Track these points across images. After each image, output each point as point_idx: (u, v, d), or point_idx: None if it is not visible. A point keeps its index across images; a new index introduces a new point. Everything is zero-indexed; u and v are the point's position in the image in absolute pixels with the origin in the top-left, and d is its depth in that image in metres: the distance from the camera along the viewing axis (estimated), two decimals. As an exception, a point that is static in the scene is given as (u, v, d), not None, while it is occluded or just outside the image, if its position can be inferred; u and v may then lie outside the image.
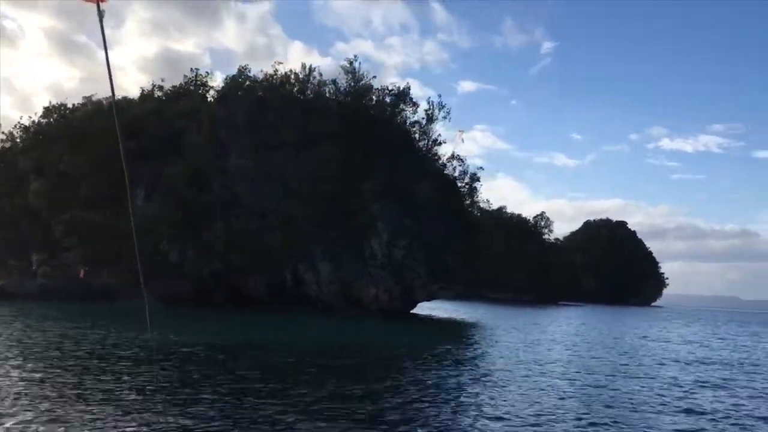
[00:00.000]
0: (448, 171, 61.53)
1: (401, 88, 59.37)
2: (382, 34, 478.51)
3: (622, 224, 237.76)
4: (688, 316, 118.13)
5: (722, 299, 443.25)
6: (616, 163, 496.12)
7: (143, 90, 68.44)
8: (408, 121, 59.32)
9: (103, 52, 5.75)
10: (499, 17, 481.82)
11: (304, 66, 57.65)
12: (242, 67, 57.51)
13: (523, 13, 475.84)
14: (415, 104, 59.47)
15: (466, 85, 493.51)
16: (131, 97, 68.86)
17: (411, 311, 67.03)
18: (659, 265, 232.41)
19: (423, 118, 59.44)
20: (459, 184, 62.43)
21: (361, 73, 58.42)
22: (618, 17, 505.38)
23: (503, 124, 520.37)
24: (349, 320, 46.92)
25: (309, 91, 57.87)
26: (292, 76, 56.93)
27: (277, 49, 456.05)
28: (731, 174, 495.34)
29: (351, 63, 58.32)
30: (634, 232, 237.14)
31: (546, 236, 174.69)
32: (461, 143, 63.64)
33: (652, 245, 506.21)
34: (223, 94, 57.62)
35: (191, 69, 67.60)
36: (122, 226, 53.28)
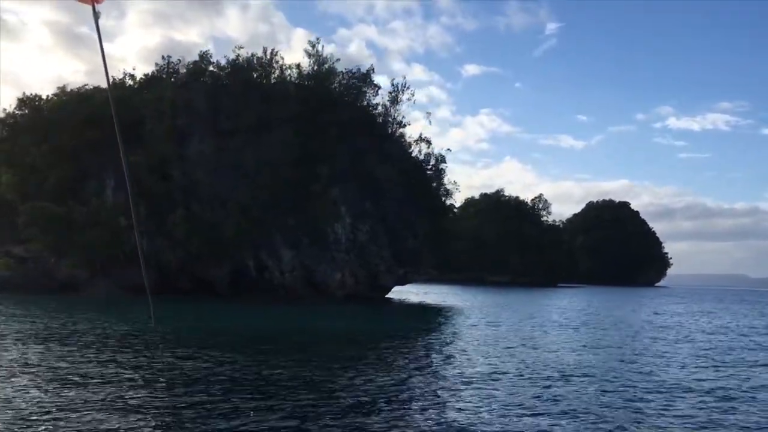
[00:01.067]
0: (415, 153, 60.67)
1: (365, 71, 58.38)
2: (385, 19, 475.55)
3: (625, 205, 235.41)
4: (689, 296, 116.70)
5: (731, 277, 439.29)
6: (623, 144, 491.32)
7: (114, 78, 67.70)
8: (371, 104, 58.38)
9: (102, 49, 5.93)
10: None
11: (265, 50, 56.79)
12: (203, 53, 56.83)
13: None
14: (377, 86, 58.54)
15: (471, 69, 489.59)
16: (104, 87, 68.19)
17: (386, 296, 66.48)
18: (663, 245, 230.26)
19: (387, 100, 58.47)
20: (426, 167, 61.52)
21: (324, 56, 57.51)
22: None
23: (508, 107, 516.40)
24: (307, 306, 46.33)
25: (274, 76, 56.97)
26: (255, 61, 56.03)
27: (279, 37, 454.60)
28: (739, 152, 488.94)
29: (314, 46, 57.41)
30: (637, 212, 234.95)
31: (544, 218, 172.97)
32: (428, 125, 62.14)
33: (659, 225, 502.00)
34: (185, 80, 56.81)
35: (162, 56, 66.55)
36: (82, 217, 53.01)
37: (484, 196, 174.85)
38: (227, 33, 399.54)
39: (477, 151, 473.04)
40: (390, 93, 58.69)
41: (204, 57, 56.53)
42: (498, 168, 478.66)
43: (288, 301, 50.88)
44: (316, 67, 56.84)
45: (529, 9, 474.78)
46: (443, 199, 63.01)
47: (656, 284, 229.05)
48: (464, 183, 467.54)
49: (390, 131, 58.37)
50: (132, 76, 66.89)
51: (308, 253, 54.09)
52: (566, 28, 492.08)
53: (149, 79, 66.49)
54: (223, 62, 56.89)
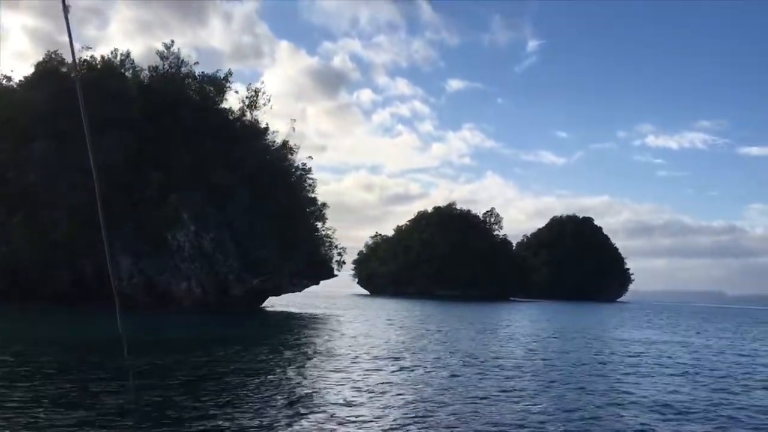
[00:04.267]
0: (278, 160, 58.05)
1: (223, 75, 55.98)
2: (370, 32, 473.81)
3: (588, 220, 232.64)
4: (639, 311, 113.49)
5: (708, 294, 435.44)
6: (603, 161, 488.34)
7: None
8: (225, 109, 55.85)
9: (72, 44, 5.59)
10: (487, 15, 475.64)
11: (114, 51, 54.28)
12: (50, 52, 54.21)
13: (510, 11, 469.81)
14: (234, 91, 56.15)
15: (455, 84, 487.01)
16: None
17: (261, 305, 63.46)
18: (625, 260, 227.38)
19: (245, 106, 56.01)
20: (288, 175, 59.08)
21: (180, 59, 55.02)
22: (605, 15, 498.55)
23: (491, 122, 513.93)
24: (143, 316, 43.31)
25: (128, 78, 54.40)
26: (99, 62, 53.50)
27: (263, 48, 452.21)
28: (717, 170, 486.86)
29: (168, 48, 54.90)
30: (600, 228, 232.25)
31: (496, 232, 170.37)
32: (293, 132, 59.59)
33: (638, 242, 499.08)
34: (29, 80, 54.19)
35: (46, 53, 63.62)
36: None
37: (436, 209, 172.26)
38: (210, 44, 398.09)
39: (459, 165, 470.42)
40: (247, 97, 56.32)
41: (51, 56, 53.87)
42: (480, 183, 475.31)
43: (128, 309, 47.89)
44: (168, 70, 54.30)
45: (513, 25, 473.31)
46: (309, 207, 60.43)
47: (618, 299, 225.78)
48: (446, 197, 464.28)
49: (245, 136, 55.69)
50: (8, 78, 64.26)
51: (150, 260, 51.18)
52: (548, 45, 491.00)
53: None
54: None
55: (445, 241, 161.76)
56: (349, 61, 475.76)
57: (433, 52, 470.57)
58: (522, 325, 52.31)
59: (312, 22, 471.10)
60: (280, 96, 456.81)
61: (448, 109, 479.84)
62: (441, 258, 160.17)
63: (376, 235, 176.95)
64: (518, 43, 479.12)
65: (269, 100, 56.88)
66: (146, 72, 55.09)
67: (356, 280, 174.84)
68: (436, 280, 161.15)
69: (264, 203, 53.51)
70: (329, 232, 63.56)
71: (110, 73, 53.41)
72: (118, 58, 54.37)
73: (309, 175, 63.33)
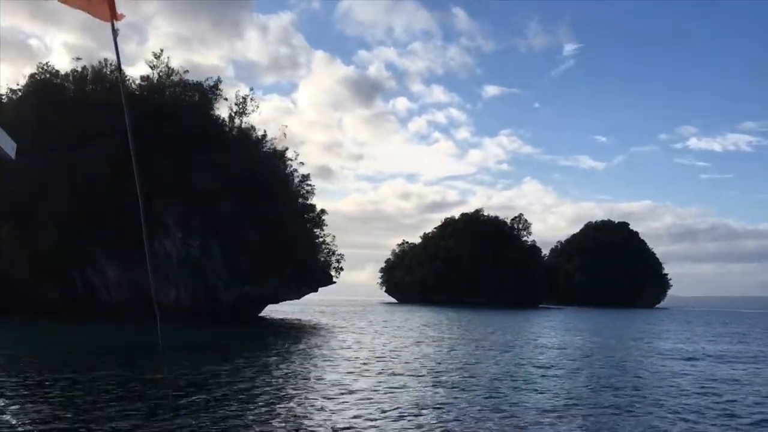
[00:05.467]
0: (272, 166, 57.13)
1: (213, 83, 55.39)
2: (405, 40, 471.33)
3: (624, 225, 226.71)
4: (675, 319, 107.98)
5: (754, 300, 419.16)
6: (645, 165, 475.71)
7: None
8: (215, 117, 55.20)
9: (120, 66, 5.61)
10: (523, 20, 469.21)
11: (102, 62, 54.17)
12: (41, 65, 54.37)
13: (547, 15, 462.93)
14: (224, 98, 55.48)
15: (491, 90, 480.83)
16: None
17: (259, 314, 62.44)
18: (663, 266, 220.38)
19: (233, 113, 55.36)
20: (286, 180, 58.07)
21: (170, 68, 54.64)
22: (642, 17, 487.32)
23: (528, 128, 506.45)
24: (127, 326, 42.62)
25: (111, 88, 54.13)
26: (89, 73, 53.43)
27: (300, 59, 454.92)
28: (762, 172, 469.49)
29: (158, 56, 54.54)
30: (636, 233, 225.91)
31: (525, 238, 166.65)
32: (284, 138, 58.62)
33: (682, 247, 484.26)
34: (21, 93, 54.43)
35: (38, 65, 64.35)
36: None
37: (463, 215, 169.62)
38: (247, 56, 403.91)
39: (496, 172, 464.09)
40: (235, 104, 55.65)
41: (42, 68, 54.05)
42: (518, 189, 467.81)
43: (116, 319, 47.33)
44: (158, 78, 53.96)
45: (549, 29, 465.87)
46: (308, 214, 59.27)
47: (656, 306, 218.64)
48: (483, 204, 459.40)
49: (235, 143, 54.85)
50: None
51: (137, 269, 50.56)
52: (585, 49, 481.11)
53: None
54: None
55: (472, 248, 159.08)
56: (384, 69, 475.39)
57: (468, 59, 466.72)
58: (543, 337, 49.84)
59: (347, 31, 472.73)
60: (317, 106, 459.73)
61: (485, 115, 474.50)
62: (468, 265, 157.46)
63: (403, 243, 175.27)
64: (555, 48, 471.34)
65: (257, 107, 56.22)
66: (139, 81, 54.75)
67: (384, 288, 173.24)
68: (464, 288, 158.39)
69: (254, 210, 52.46)
70: (327, 239, 62.23)
71: (99, 83, 53.28)
72: (108, 68, 54.16)
73: (307, 182, 62.33)
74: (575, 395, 17.93)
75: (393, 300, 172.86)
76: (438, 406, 15.60)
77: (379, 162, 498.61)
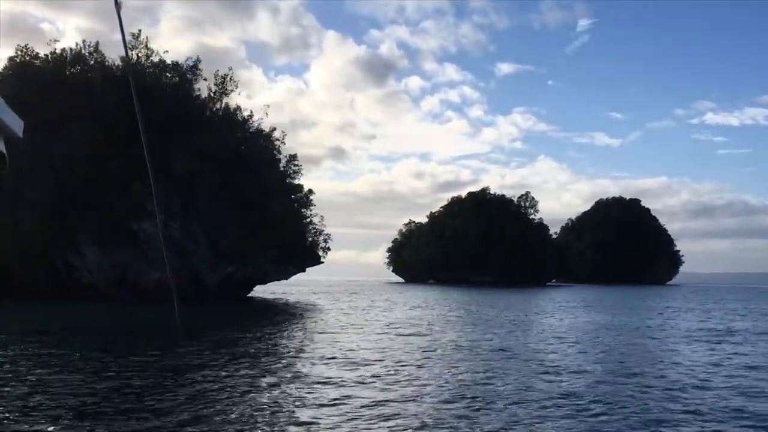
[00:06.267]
0: (255, 146, 56.57)
1: (193, 63, 54.63)
2: (417, 19, 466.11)
3: (635, 202, 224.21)
4: (681, 295, 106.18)
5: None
6: (661, 141, 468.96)
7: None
8: (194, 97, 54.49)
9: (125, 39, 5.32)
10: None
11: (81, 43, 53.55)
12: (20, 47, 53.79)
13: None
14: (204, 78, 54.73)
15: (504, 67, 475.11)
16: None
17: (247, 295, 62.16)
18: (675, 242, 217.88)
19: (211, 93, 54.65)
20: (272, 160, 57.48)
21: (150, 49, 53.94)
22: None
23: (542, 105, 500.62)
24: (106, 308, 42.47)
25: (91, 70, 53.60)
26: (69, 54, 52.87)
27: (311, 40, 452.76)
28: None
29: (136, 37, 53.76)
30: (647, 209, 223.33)
31: (532, 216, 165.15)
32: (266, 117, 57.90)
33: (700, 223, 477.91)
34: (1, 75, 53.99)
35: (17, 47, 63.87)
36: None
37: (470, 194, 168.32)
38: (259, 37, 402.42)
39: (510, 150, 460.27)
40: (215, 84, 54.89)
41: (21, 50, 53.49)
42: (532, 167, 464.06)
43: (97, 301, 47.21)
44: (138, 59, 53.24)
45: (564, 5, 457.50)
46: (295, 194, 58.74)
47: (668, 283, 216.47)
48: (497, 183, 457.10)
49: (216, 124, 54.17)
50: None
51: (118, 251, 50.35)
52: (599, 24, 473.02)
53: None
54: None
55: (478, 227, 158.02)
56: (396, 48, 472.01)
57: (482, 36, 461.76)
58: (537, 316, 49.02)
59: (358, 11, 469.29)
60: (329, 86, 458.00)
61: (498, 93, 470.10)
62: (475, 244, 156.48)
63: (410, 222, 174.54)
64: (569, 23, 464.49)
65: (236, 87, 55.49)
66: (118, 62, 54.10)
67: (390, 268, 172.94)
68: (470, 267, 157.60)
69: (238, 191, 51.92)
70: (315, 219, 61.63)
71: (78, 65, 52.74)
72: (87, 49, 53.57)
73: (294, 162, 61.64)
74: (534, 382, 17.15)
75: (400, 279, 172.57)
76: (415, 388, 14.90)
77: (392, 142, 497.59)
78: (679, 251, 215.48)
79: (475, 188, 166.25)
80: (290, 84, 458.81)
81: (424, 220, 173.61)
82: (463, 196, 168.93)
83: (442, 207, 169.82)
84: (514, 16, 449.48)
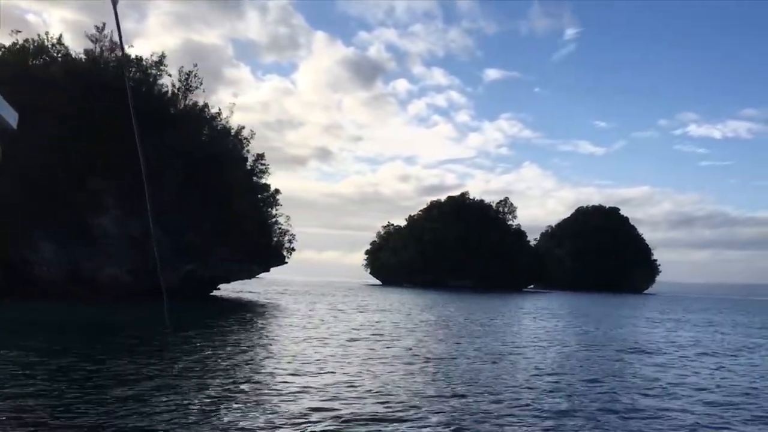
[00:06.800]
0: (220, 144, 56.06)
1: (158, 58, 54.00)
2: (406, 21, 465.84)
3: (614, 210, 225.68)
4: (652, 304, 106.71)
5: (751, 287, 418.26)
6: (644, 151, 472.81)
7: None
8: (160, 93, 53.86)
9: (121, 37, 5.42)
10: (525, 2, 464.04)
11: (40, 36, 52.77)
12: (-18, 39, 52.86)
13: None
14: (168, 74, 54.17)
15: (492, 73, 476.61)
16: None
17: (210, 294, 61.53)
18: (653, 251, 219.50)
19: (174, 89, 54.11)
20: (237, 158, 56.99)
21: (114, 42, 53.15)
22: (645, 1, 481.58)
23: (528, 112, 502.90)
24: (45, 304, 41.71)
25: (52, 62, 52.79)
26: (32, 45, 52.06)
27: (300, 39, 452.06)
28: (761, 160, 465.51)
29: (100, 30, 53.04)
30: (626, 218, 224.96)
31: (510, 222, 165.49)
32: (230, 115, 57.46)
33: (681, 233, 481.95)
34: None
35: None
36: None
37: (449, 198, 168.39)
38: (247, 35, 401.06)
39: (496, 156, 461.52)
40: (179, 80, 54.37)
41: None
42: (517, 173, 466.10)
43: (51, 297, 46.44)
44: (103, 54, 52.55)
45: (552, 13, 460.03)
46: (261, 194, 58.32)
47: (645, 291, 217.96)
48: (482, 188, 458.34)
49: (180, 121, 53.57)
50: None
51: (74, 247, 49.59)
52: (586, 33, 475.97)
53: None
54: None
55: (457, 231, 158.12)
56: (384, 50, 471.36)
57: (470, 41, 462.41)
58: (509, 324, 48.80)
59: (348, 12, 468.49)
60: (317, 87, 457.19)
61: (485, 98, 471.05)
62: (452, 248, 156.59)
63: (388, 225, 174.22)
64: (556, 31, 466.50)
65: (201, 83, 55.02)
66: (82, 56, 53.39)
67: (368, 270, 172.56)
68: (448, 271, 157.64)
69: (201, 188, 51.41)
70: (281, 219, 61.20)
71: (41, 57, 51.93)
72: (49, 42, 52.75)
73: (261, 161, 61.20)
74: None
75: (377, 282, 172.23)
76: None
77: (378, 144, 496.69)
78: (656, 260, 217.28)
79: (459, 193, 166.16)
80: (278, 83, 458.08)
81: (403, 223, 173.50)
82: (443, 200, 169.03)
83: (421, 210, 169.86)
84: (502, 21, 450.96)
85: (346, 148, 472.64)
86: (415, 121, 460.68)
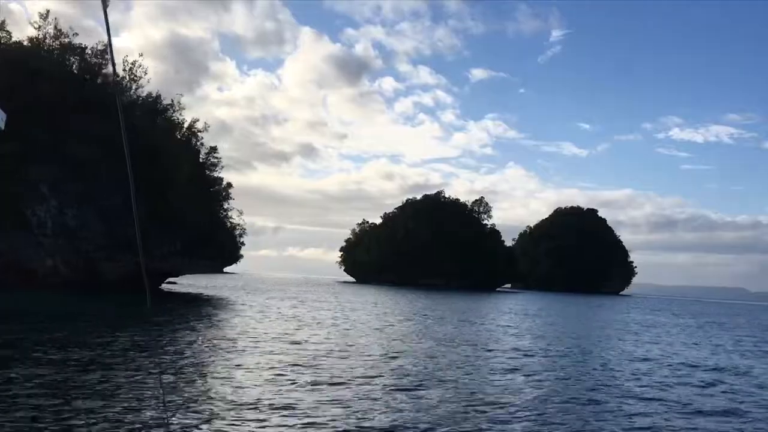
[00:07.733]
0: (172, 139, 55.42)
1: (100, 49, 53.18)
2: (393, 20, 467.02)
3: (592, 212, 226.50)
4: (624, 304, 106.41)
5: (729, 290, 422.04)
6: (627, 153, 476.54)
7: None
8: (101, 82, 53.03)
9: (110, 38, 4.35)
10: (513, 3, 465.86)
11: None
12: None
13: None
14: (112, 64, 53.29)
15: (478, 73, 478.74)
16: None
17: (159, 286, 60.66)
18: (629, 253, 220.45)
19: (120, 78, 53.23)
20: (187, 151, 56.32)
21: (59, 30, 52.30)
22: (631, 5, 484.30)
23: (513, 113, 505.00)
24: None
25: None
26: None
27: (286, 35, 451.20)
28: (742, 165, 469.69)
29: (44, 18, 52.08)
30: (603, 220, 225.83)
31: (485, 221, 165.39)
32: (180, 108, 56.78)
33: (661, 236, 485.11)
34: None
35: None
36: None
37: (424, 197, 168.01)
38: (233, 30, 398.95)
39: (481, 156, 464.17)
40: (123, 71, 53.55)
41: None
42: (501, 174, 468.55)
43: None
44: (47, 42, 51.66)
45: (539, 14, 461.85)
46: (213, 187, 57.68)
47: (621, 293, 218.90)
48: (466, 188, 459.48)
49: (124, 111, 52.79)
50: None
51: (9, 237, 48.61)
52: (573, 35, 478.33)
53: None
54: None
55: (430, 229, 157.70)
56: (371, 48, 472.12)
57: (457, 41, 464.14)
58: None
59: (335, 8, 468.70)
60: (302, 83, 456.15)
61: (471, 98, 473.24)
62: (425, 246, 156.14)
63: (363, 222, 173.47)
64: (543, 33, 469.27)
65: (146, 73, 54.25)
66: (26, 42, 52.39)
67: (342, 267, 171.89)
68: (420, 269, 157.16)
69: (144, 180, 50.53)
70: (232, 213, 60.48)
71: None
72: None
73: (214, 154, 60.45)
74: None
75: (351, 279, 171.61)
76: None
77: (363, 142, 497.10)
78: (632, 262, 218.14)
79: (445, 192, 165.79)
80: (263, 78, 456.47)
81: (378, 220, 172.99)
82: (418, 198, 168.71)
83: (396, 208, 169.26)
84: (489, 22, 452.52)
85: (330, 145, 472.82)
86: (401, 119, 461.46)
